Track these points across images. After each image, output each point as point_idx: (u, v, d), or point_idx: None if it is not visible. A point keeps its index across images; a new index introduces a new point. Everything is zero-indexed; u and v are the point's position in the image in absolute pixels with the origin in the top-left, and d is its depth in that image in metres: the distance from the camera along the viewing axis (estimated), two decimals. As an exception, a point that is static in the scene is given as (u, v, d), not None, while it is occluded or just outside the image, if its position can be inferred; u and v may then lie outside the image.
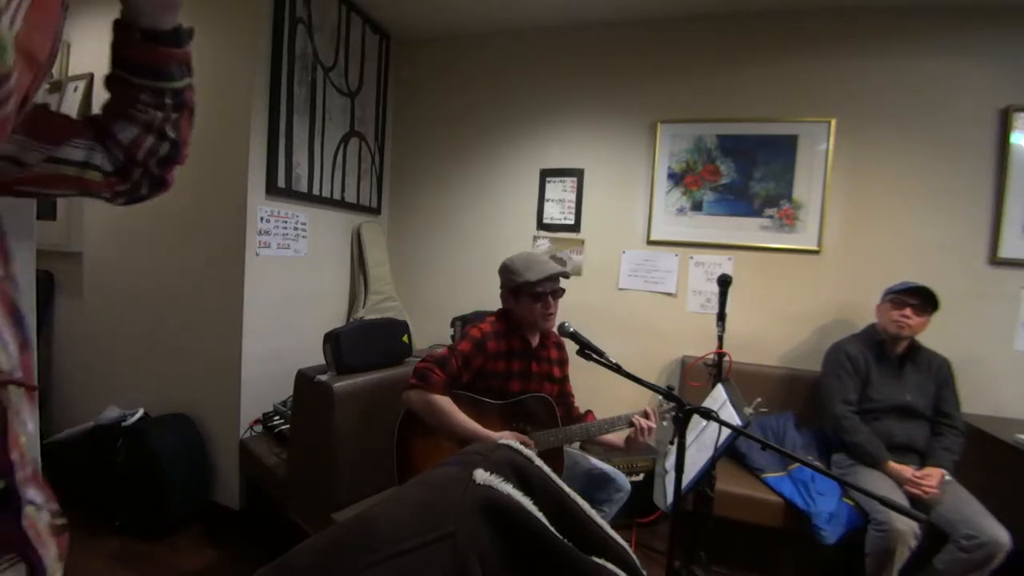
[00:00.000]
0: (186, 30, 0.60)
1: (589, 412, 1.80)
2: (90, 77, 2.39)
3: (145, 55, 0.57)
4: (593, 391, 2.12)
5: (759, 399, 1.72)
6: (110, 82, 0.60)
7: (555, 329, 1.63)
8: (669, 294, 2.62)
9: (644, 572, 0.45)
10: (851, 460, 1.94)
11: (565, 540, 0.39)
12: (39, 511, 0.50)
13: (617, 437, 1.68)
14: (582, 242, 2.76)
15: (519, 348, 1.65)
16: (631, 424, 1.59)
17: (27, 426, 0.48)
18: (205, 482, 2.20)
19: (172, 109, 0.60)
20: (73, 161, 0.56)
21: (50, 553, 0.50)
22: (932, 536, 1.68)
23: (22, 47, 0.37)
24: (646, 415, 1.59)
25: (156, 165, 0.61)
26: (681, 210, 2.60)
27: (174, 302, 2.24)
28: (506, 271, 1.66)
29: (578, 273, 2.73)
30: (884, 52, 2.31)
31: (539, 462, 0.46)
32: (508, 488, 0.39)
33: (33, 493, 0.50)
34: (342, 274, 2.81)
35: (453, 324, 2.66)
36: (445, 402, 1.50)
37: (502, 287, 1.69)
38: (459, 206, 2.99)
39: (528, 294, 1.60)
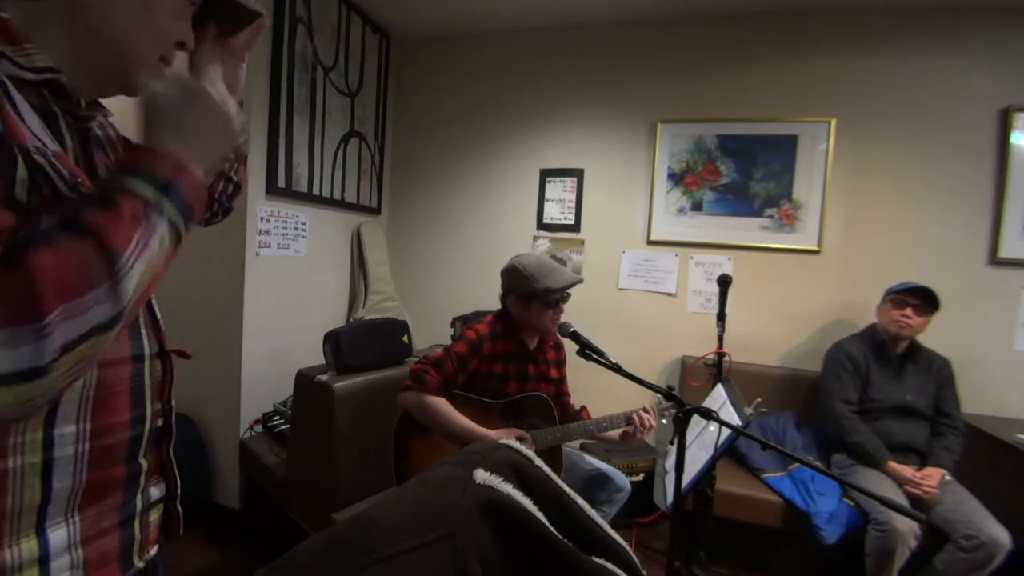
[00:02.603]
0: (240, 101, 0.75)
1: (583, 408, 1.81)
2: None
3: None
4: (593, 391, 2.12)
5: (759, 399, 1.72)
6: None
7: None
8: (669, 294, 2.62)
9: (644, 572, 0.45)
10: (851, 460, 1.94)
11: (565, 540, 0.38)
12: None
13: (614, 432, 1.68)
14: (582, 242, 2.76)
15: (516, 351, 1.64)
16: (630, 422, 1.60)
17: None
18: (205, 482, 2.20)
19: (234, 161, 0.79)
20: None
21: (176, 481, 0.68)
22: (932, 536, 1.68)
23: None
24: (646, 411, 1.61)
25: (227, 200, 0.82)
26: (681, 210, 2.60)
27: (174, 302, 2.22)
28: (518, 276, 1.59)
29: (578, 273, 2.73)
30: (884, 52, 2.31)
31: (539, 462, 0.46)
32: (508, 488, 0.39)
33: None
34: (342, 274, 2.81)
35: (453, 324, 2.66)
36: (440, 403, 1.49)
37: (510, 292, 1.62)
38: (459, 206, 2.98)
39: (542, 301, 1.57)
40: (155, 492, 0.63)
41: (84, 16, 0.50)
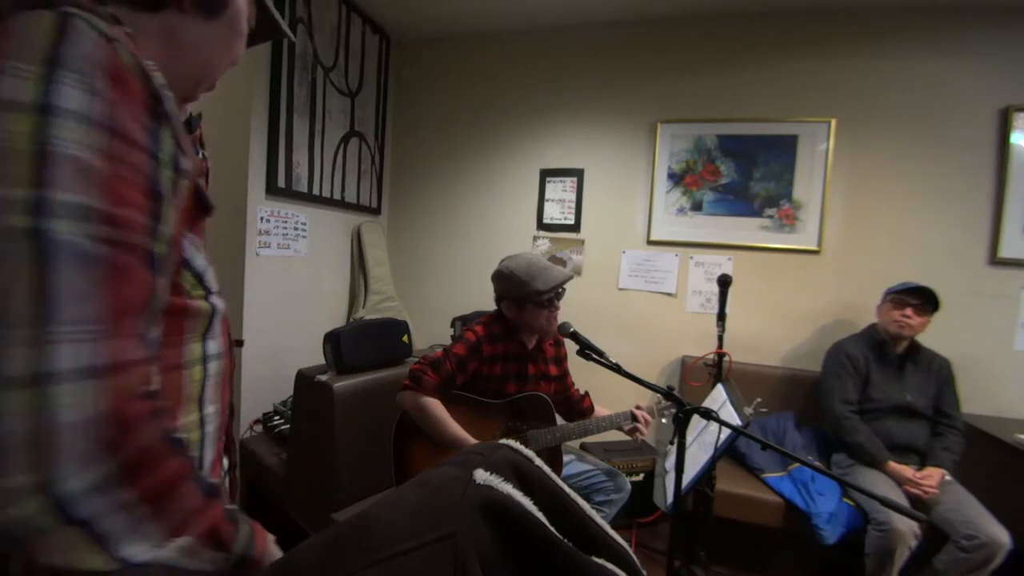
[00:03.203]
0: (195, 117, 0.78)
1: (586, 394, 1.82)
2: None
3: None
4: (593, 391, 2.12)
5: (759, 399, 1.72)
6: None
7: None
8: (669, 294, 2.62)
9: (644, 572, 0.45)
10: (851, 460, 1.94)
11: (565, 540, 0.38)
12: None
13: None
14: (582, 242, 2.76)
15: (515, 351, 1.63)
16: (635, 418, 1.63)
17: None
18: (205, 482, 2.20)
19: None
20: None
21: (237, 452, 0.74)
22: (932, 536, 1.68)
23: None
24: (639, 408, 1.66)
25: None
26: (681, 210, 2.59)
27: (174, 302, 2.23)
28: (507, 280, 1.58)
29: (578, 273, 2.73)
30: (884, 52, 2.31)
31: (539, 462, 0.46)
32: (508, 488, 0.39)
33: None
34: (342, 274, 2.81)
35: (453, 324, 2.65)
36: (436, 405, 1.48)
37: (503, 297, 1.61)
38: (459, 206, 2.98)
39: (535, 303, 1.56)
40: (226, 463, 0.70)
41: (183, 35, 0.54)
